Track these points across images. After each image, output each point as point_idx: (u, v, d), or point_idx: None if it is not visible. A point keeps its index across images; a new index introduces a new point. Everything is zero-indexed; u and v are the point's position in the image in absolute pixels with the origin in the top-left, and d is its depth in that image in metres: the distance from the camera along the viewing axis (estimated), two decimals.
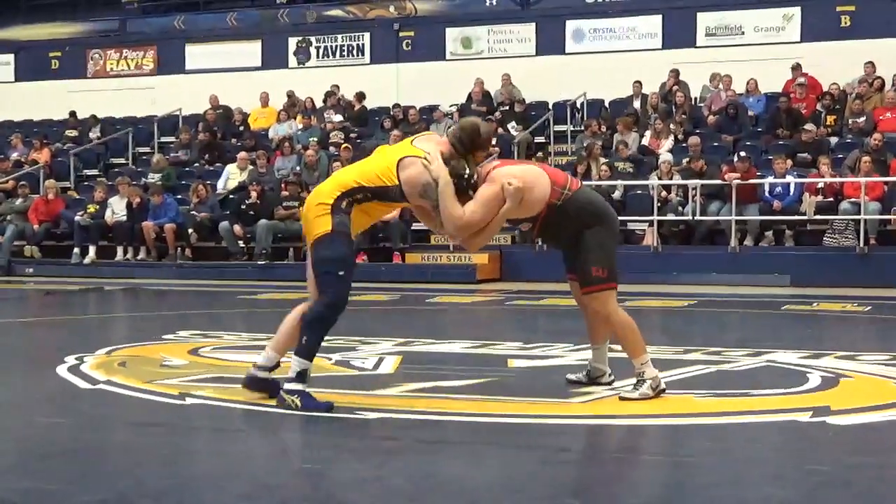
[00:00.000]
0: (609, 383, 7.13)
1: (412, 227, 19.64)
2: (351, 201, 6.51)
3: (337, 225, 6.45)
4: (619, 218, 21.64)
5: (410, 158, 6.50)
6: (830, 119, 20.87)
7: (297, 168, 21.46)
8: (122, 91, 27.59)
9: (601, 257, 6.75)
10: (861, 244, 17.29)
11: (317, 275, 6.52)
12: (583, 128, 22.48)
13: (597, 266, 6.73)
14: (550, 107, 23.67)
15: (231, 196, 21.08)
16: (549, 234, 7.04)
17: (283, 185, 20.47)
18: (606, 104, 23.77)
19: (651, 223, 18.43)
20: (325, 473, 5.04)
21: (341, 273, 6.45)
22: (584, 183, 19.34)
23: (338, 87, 25.05)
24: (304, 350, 6.44)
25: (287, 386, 6.40)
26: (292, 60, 27.21)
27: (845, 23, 22.86)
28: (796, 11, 23.32)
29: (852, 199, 17.53)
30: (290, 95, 25.13)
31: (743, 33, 23.70)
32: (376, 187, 6.52)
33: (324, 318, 6.47)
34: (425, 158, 6.49)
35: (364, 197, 6.53)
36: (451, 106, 24.04)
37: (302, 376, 6.39)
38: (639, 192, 19.15)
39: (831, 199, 17.87)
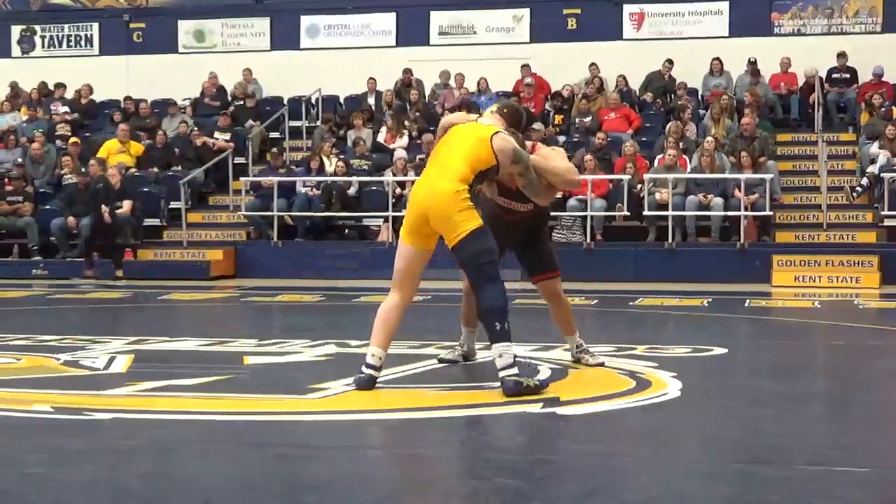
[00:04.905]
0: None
1: (144, 224, 19.21)
2: (474, 191, 6.78)
3: (484, 218, 6.73)
4: (355, 214, 21.57)
5: (499, 134, 6.77)
6: (559, 118, 21.54)
7: (21, 161, 20.66)
8: None
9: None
10: (588, 240, 17.92)
11: (471, 268, 6.70)
12: (318, 123, 22.49)
13: (554, 253, 7.93)
14: (285, 102, 23.57)
15: None
16: (538, 224, 7.87)
17: (5, 180, 19.69)
18: (341, 100, 23.85)
19: (386, 219, 18.59)
20: (54, 477, 4.86)
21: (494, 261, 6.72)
22: (322, 179, 19.20)
23: (46, 83, 24.27)
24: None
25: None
26: (15, 49, 26.18)
27: (572, 25, 23.61)
28: (525, 13, 23.94)
29: (579, 197, 18.13)
30: (14, 86, 24.20)
31: (475, 33, 24.17)
32: (485, 170, 6.72)
33: (501, 309, 6.63)
34: (503, 132, 6.86)
35: (476, 181, 6.75)
36: (184, 100, 23.64)
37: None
38: (374, 188, 19.29)
39: (559, 195, 18.42)
